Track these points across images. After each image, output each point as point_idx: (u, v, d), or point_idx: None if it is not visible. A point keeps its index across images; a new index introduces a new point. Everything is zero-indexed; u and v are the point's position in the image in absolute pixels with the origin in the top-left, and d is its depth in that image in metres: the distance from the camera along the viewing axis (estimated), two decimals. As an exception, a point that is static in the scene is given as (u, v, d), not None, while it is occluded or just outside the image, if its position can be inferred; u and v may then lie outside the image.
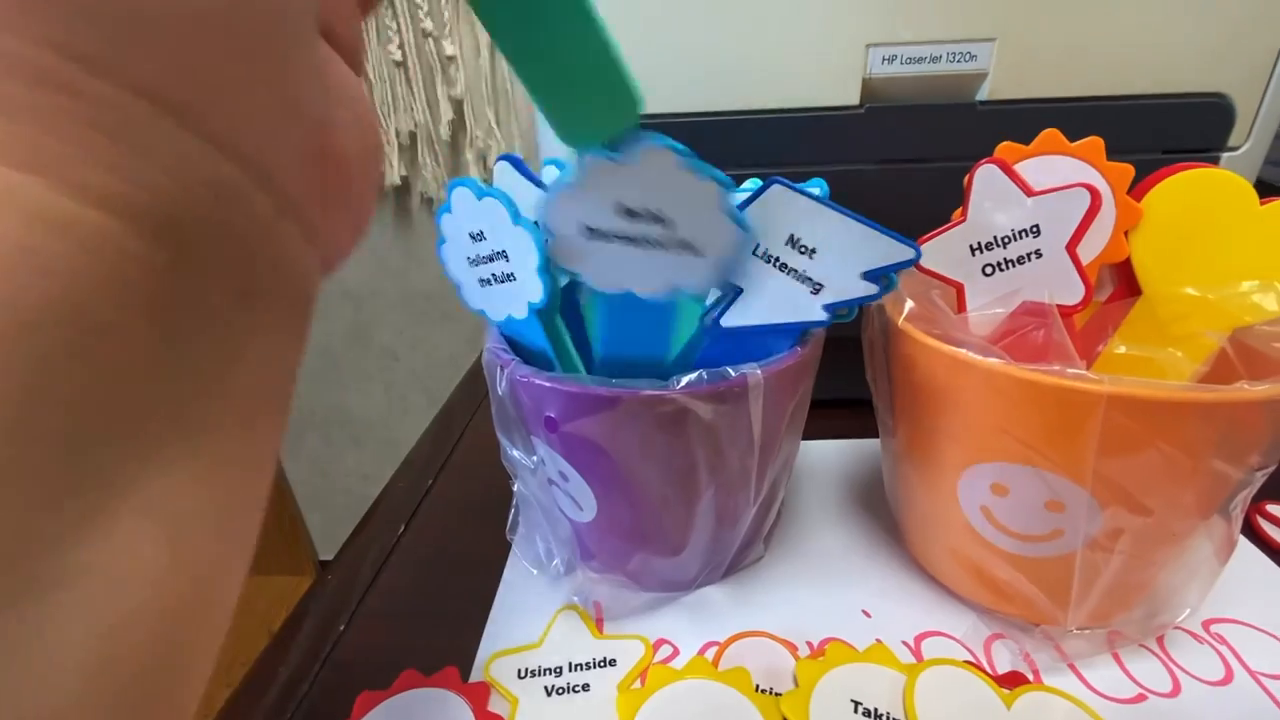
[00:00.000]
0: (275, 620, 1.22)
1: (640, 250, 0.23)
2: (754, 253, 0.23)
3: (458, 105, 0.94)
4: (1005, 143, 0.26)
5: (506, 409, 0.25)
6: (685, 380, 0.22)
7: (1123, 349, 0.25)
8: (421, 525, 0.34)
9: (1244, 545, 0.30)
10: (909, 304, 0.25)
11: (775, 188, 0.23)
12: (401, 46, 0.90)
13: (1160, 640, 0.26)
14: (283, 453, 1.24)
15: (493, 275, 0.26)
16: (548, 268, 0.24)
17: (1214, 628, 0.26)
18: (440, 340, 1.12)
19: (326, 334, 1.15)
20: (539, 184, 0.30)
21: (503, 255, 0.25)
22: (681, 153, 0.21)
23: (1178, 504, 0.22)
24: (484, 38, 0.88)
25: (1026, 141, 0.25)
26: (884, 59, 0.33)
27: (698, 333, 0.27)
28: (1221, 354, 0.23)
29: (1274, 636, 0.26)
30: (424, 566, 0.31)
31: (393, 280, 1.10)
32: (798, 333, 0.26)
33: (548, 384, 0.23)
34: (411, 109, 0.94)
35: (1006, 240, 0.24)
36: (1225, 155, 0.36)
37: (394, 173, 0.98)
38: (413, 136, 0.96)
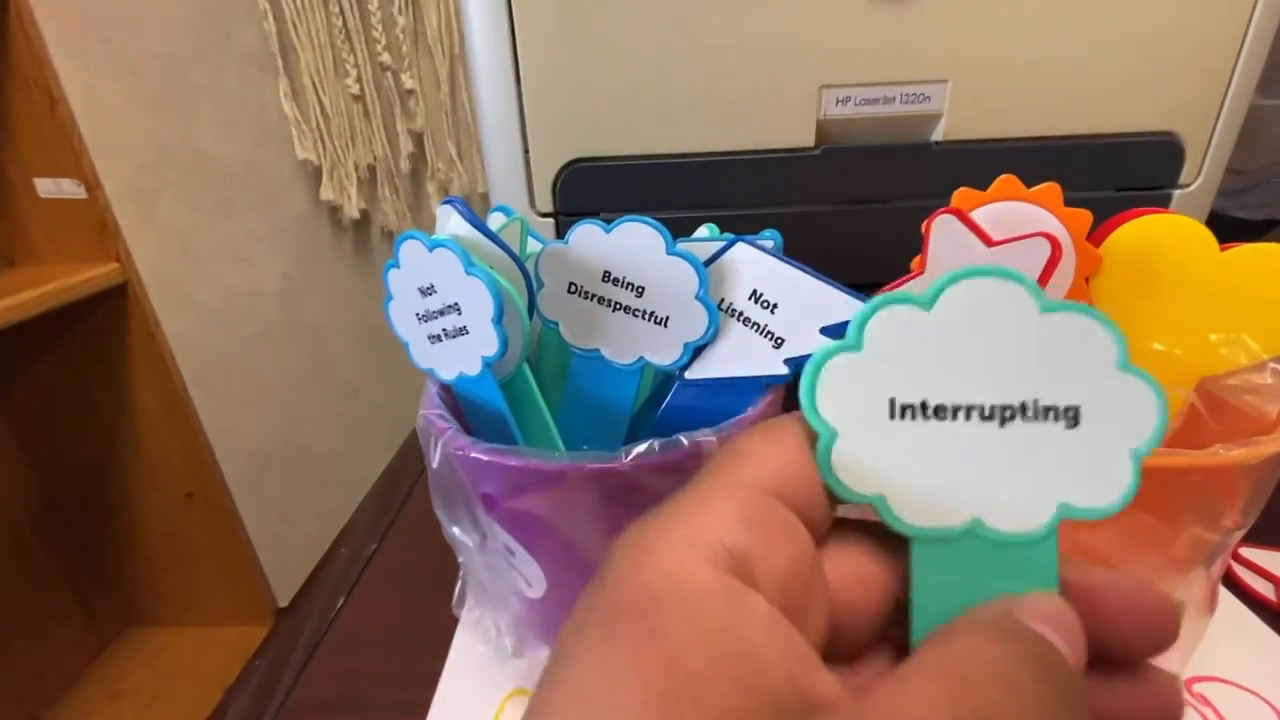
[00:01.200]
0: (230, 675, 1.16)
1: (614, 315, 0.24)
2: (719, 306, 0.23)
3: (418, 138, 0.92)
4: (962, 189, 0.25)
5: (443, 483, 0.23)
6: (635, 451, 0.21)
7: (1091, 405, 0.24)
8: (363, 597, 0.31)
9: (1222, 595, 0.29)
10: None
11: (739, 245, 0.23)
12: (359, 80, 0.89)
13: (1143, 707, 0.24)
14: (238, 495, 1.19)
15: (443, 330, 0.24)
16: (502, 319, 0.23)
17: (1197, 687, 0.25)
18: (402, 375, 1.09)
19: (284, 370, 1.11)
20: (484, 229, 0.28)
21: (454, 308, 0.24)
22: (665, 235, 0.22)
23: (1153, 570, 0.21)
24: (444, 70, 0.87)
25: (983, 180, 0.25)
26: (838, 100, 0.32)
27: (662, 384, 0.27)
28: (1191, 407, 0.22)
29: (1257, 695, 0.25)
30: (363, 645, 0.29)
31: (352, 314, 1.07)
32: (761, 386, 0.25)
33: (485, 457, 0.21)
34: (371, 142, 0.92)
35: (967, 292, 0.23)
36: (1177, 192, 0.36)
37: (353, 206, 0.95)
38: (372, 170, 0.94)
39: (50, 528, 1.11)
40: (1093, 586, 0.12)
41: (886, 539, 0.13)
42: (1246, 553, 0.31)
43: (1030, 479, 0.12)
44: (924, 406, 0.12)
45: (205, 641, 1.21)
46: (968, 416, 0.12)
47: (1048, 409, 0.12)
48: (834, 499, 0.12)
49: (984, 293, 0.12)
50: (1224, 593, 0.29)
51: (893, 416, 0.12)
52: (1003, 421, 0.12)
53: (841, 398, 0.12)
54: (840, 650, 0.12)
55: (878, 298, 0.12)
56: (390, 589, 0.32)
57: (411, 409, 0.25)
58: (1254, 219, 0.56)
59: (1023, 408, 0.12)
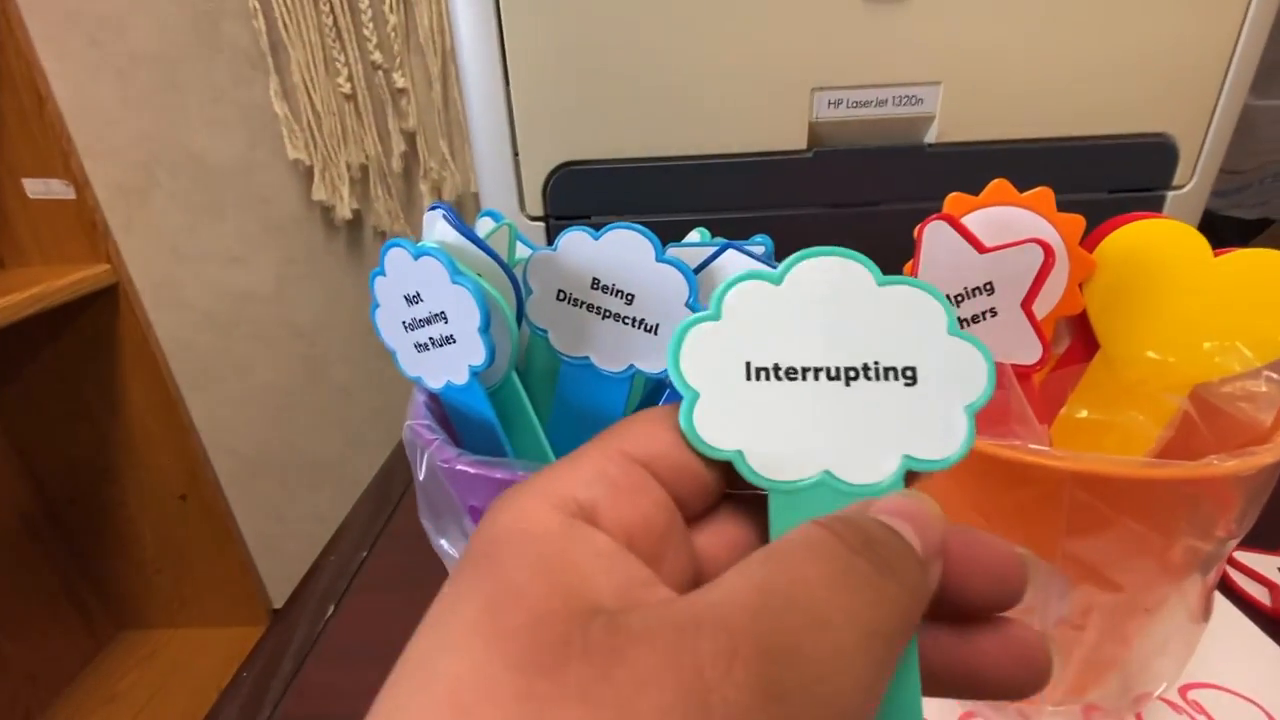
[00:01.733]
0: (225, 676, 1.15)
1: (604, 322, 0.24)
2: None
3: (410, 138, 0.91)
4: (954, 194, 0.25)
5: (430, 494, 0.23)
6: (623, 462, 0.20)
7: (1083, 413, 0.24)
8: (352, 606, 0.31)
9: (1217, 600, 0.29)
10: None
11: (729, 252, 0.23)
12: (351, 79, 0.88)
13: (1139, 716, 0.24)
14: (232, 497, 1.19)
15: (430, 339, 0.24)
16: (489, 328, 0.22)
17: (1192, 694, 0.25)
18: (396, 376, 1.08)
19: (277, 371, 1.11)
20: (471, 236, 0.28)
21: (441, 317, 0.23)
22: (654, 242, 0.22)
23: (1148, 579, 0.20)
24: (436, 69, 0.86)
25: (976, 183, 0.25)
26: (830, 103, 0.32)
27: (653, 392, 0.26)
28: (1185, 414, 0.22)
29: (1251, 701, 0.25)
30: (353, 656, 0.29)
31: (345, 315, 1.07)
32: None
33: (471, 469, 0.21)
34: (362, 141, 0.91)
35: (960, 298, 0.23)
36: (1171, 194, 0.36)
37: (345, 206, 0.95)
38: (364, 169, 0.93)
39: (44, 531, 1.10)
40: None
41: (756, 507, 0.13)
42: (1241, 556, 0.31)
43: (875, 434, 0.13)
44: (776, 369, 0.13)
45: (200, 643, 1.20)
46: (816, 377, 0.13)
47: (888, 369, 0.13)
48: (704, 460, 0.13)
49: (828, 269, 0.13)
50: (1219, 597, 0.29)
51: (749, 378, 0.13)
52: (847, 381, 0.13)
53: (703, 362, 0.13)
54: None
55: (735, 274, 0.13)
56: (381, 597, 0.32)
57: (405, 411, 0.25)
58: (1248, 218, 0.55)
59: (865, 369, 0.13)
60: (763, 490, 0.13)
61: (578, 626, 0.09)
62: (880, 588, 0.10)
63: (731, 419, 0.13)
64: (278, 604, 1.32)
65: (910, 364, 0.13)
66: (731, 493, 0.14)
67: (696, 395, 0.13)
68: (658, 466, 0.13)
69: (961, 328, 0.23)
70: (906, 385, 0.13)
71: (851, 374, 0.13)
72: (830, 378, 0.13)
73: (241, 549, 1.22)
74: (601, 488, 0.12)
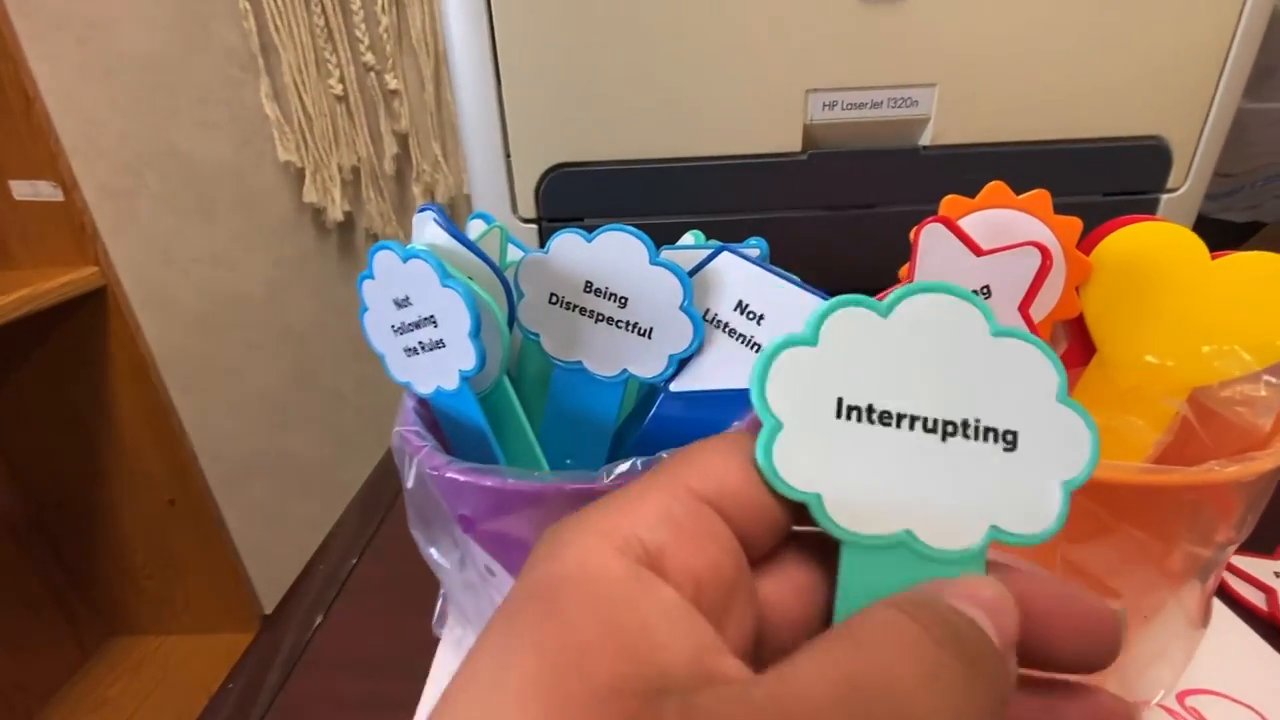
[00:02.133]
0: (215, 682, 1.14)
1: (597, 326, 0.24)
2: (705, 317, 0.23)
3: (402, 139, 0.91)
4: (950, 196, 0.24)
5: (420, 503, 0.22)
6: (618, 470, 0.20)
7: (1082, 418, 0.23)
8: (341, 616, 0.31)
9: (1215, 605, 0.29)
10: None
11: (724, 255, 0.22)
12: (342, 80, 0.87)
13: (1136, 722, 0.24)
14: (222, 502, 1.17)
15: (420, 343, 0.24)
16: (479, 332, 0.22)
17: (1190, 700, 0.25)
18: (387, 380, 1.07)
19: (267, 375, 1.10)
20: (461, 238, 0.27)
21: (431, 320, 0.23)
22: (648, 245, 0.22)
23: (1147, 585, 0.20)
24: (428, 70, 0.86)
25: (972, 185, 0.24)
26: (824, 105, 0.32)
27: (647, 396, 0.26)
28: (1183, 419, 0.22)
29: (1248, 706, 0.25)
30: (341, 666, 0.28)
31: (337, 318, 1.06)
32: (747, 398, 0.24)
33: (461, 477, 0.20)
34: (354, 143, 0.91)
35: (956, 302, 0.23)
36: (1165, 197, 0.36)
37: (337, 209, 0.94)
38: (356, 171, 0.93)
39: (31, 536, 1.09)
40: (1024, 592, 0.11)
41: (827, 553, 0.13)
42: (1238, 561, 0.31)
43: (964, 497, 0.12)
44: (870, 410, 0.12)
45: (190, 649, 1.19)
46: (911, 426, 0.12)
47: (988, 430, 0.12)
48: (777, 498, 0.12)
49: (941, 309, 0.12)
50: (1215, 602, 0.29)
51: (839, 416, 0.12)
52: (944, 436, 0.12)
53: (791, 391, 0.12)
54: (777, 659, 0.12)
55: (839, 298, 0.12)
56: (369, 607, 0.31)
57: (397, 414, 0.25)
58: (1239, 221, 0.56)
59: (964, 425, 0.12)
60: (836, 538, 0.12)
61: (650, 706, 0.09)
62: (969, 689, 0.10)
63: (814, 458, 0.12)
64: (268, 609, 1.31)
65: (1012, 428, 0.12)
66: (798, 530, 0.13)
67: (779, 426, 0.12)
68: (726, 504, 0.12)
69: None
70: (1006, 450, 0.12)
71: (950, 429, 0.12)
72: (927, 429, 0.12)
73: (231, 554, 1.21)
74: (667, 531, 0.11)
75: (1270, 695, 0.25)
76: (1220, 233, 0.61)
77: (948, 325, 0.12)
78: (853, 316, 0.12)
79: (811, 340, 0.12)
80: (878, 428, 0.12)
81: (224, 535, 1.20)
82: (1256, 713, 0.25)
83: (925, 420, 0.12)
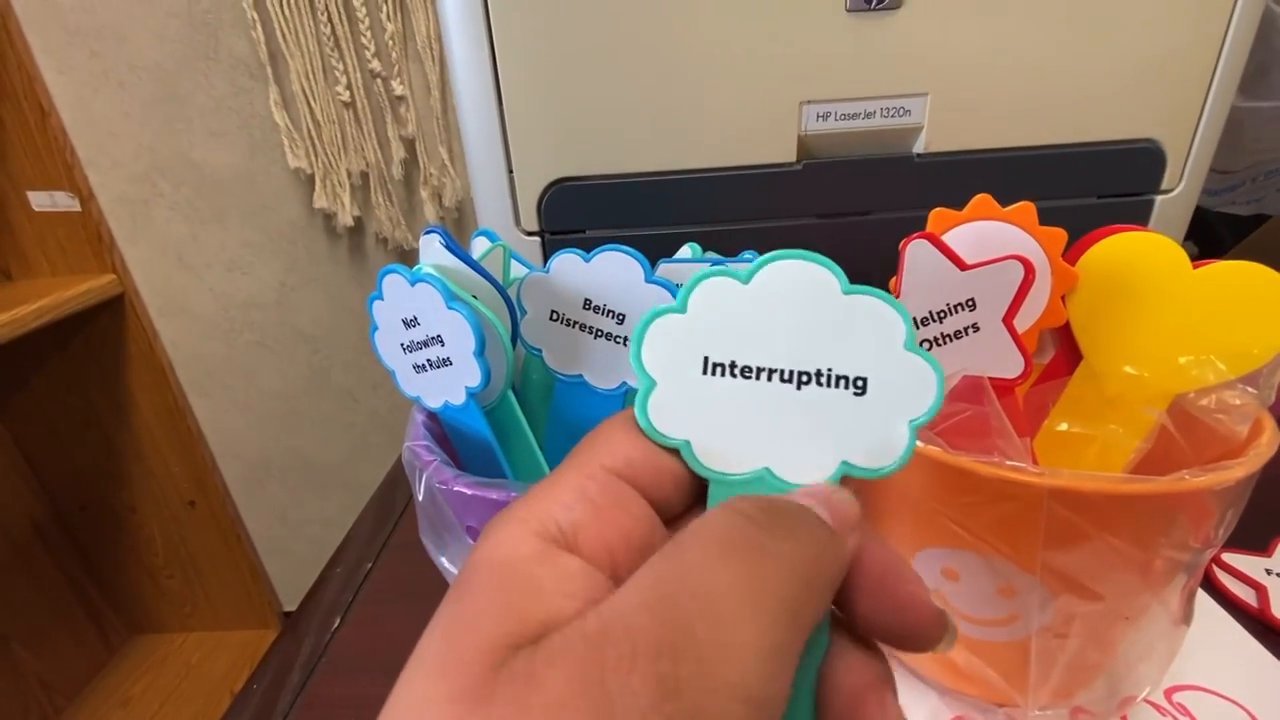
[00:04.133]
0: (237, 679, 1.16)
1: (596, 341, 0.25)
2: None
3: (409, 144, 0.92)
4: (937, 210, 0.25)
5: (430, 514, 0.23)
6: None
7: (1064, 426, 0.24)
8: (359, 617, 0.32)
9: (1204, 601, 0.29)
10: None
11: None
12: (350, 87, 0.88)
13: (1124, 718, 0.25)
14: (240, 502, 1.20)
15: (428, 361, 0.25)
16: (484, 351, 0.23)
17: (1177, 697, 0.26)
18: (401, 381, 1.09)
19: (282, 377, 1.12)
20: (466, 259, 0.28)
21: (438, 340, 0.24)
22: (644, 264, 0.23)
23: (1128, 588, 0.21)
24: (434, 76, 0.87)
25: (965, 191, 0.25)
26: (818, 116, 0.32)
27: None
28: (1162, 427, 0.23)
29: (1235, 703, 0.25)
30: (361, 667, 0.29)
31: (348, 320, 1.07)
32: None
33: (469, 491, 0.21)
34: (362, 149, 0.92)
35: (942, 315, 0.23)
36: (1160, 198, 0.36)
37: (347, 213, 0.96)
38: (364, 176, 0.94)
39: (55, 538, 1.11)
40: (873, 551, 0.12)
41: None
42: (1229, 559, 0.31)
43: (817, 437, 0.13)
44: (732, 365, 0.13)
45: (211, 646, 1.22)
46: (769, 377, 0.13)
47: (839, 377, 0.13)
48: (675, 458, 0.13)
49: (796, 272, 0.13)
50: (1205, 599, 0.30)
51: (705, 372, 0.14)
52: (799, 385, 0.13)
53: (663, 353, 0.14)
54: None
55: (704, 270, 0.14)
56: (387, 608, 0.33)
57: (409, 414, 0.26)
58: (1243, 214, 0.56)
59: (818, 374, 0.13)
60: (704, 478, 0.13)
61: (514, 653, 0.10)
62: (769, 548, 0.11)
63: (684, 410, 0.13)
64: (288, 607, 1.33)
65: (862, 374, 0.13)
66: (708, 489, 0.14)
67: (653, 384, 0.14)
68: (636, 471, 0.13)
69: (944, 343, 0.24)
70: (856, 395, 0.13)
71: (804, 378, 0.13)
72: (784, 379, 0.13)
73: (250, 553, 1.23)
74: (582, 509, 0.12)
75: (1257, 691, 0.26)
76: (1225, 225, 0.61)
77: (803, 287, 0.13)
78: (717, 286, 0.13)
79: (681, 309, 0.14)
80: (739, 380, 0.13)
81: (242, 534, 1.22)
82: (1243, 709, 0.25)
83: (782, 372, 0.13)
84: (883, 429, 0.13)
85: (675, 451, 0.13)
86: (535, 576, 0.11)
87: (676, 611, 0.10)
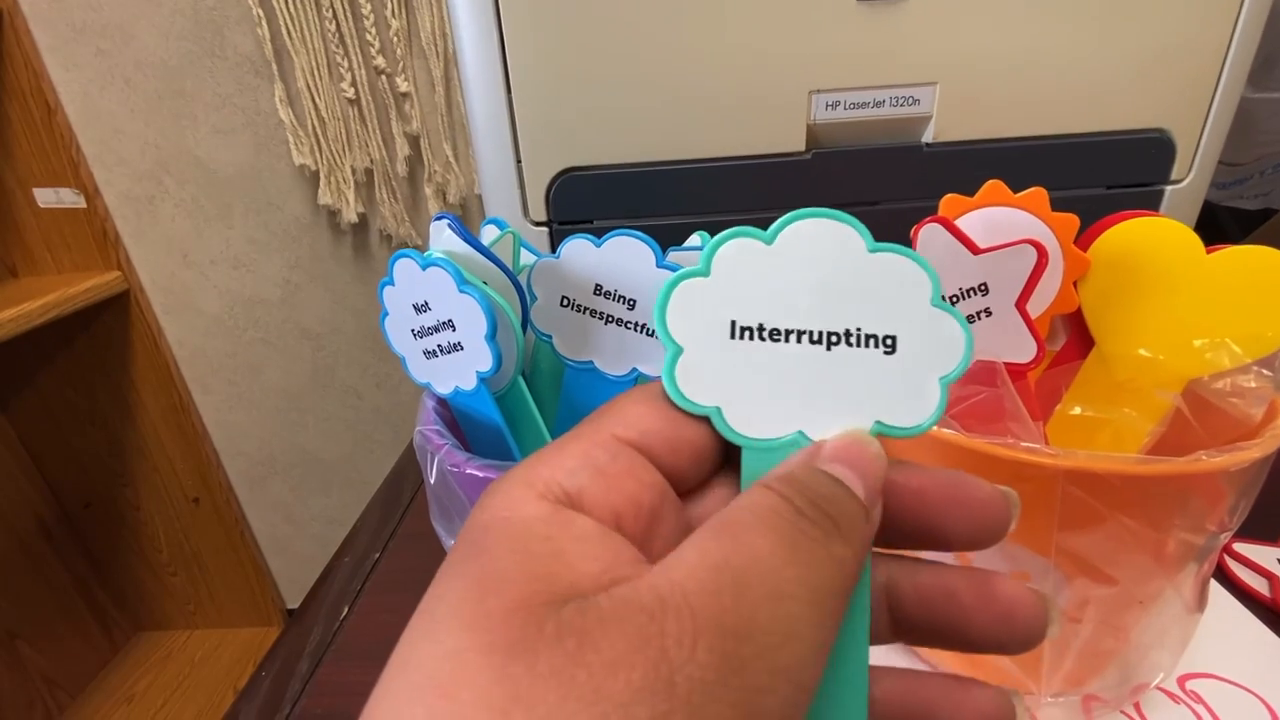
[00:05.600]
0: (241, 675, 1.16)
1: (607, 327, 0.25)
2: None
3: (414, 141, 0.92)
4: (949, 196, 0.25)
5: (441, 500, 0.23)
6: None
7: (1077, 410, 0.24)
8: (367, 606, 0.32)
9: (1216, 591, 0.29)
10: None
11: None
12: (354, 84, 0.89)
13: (1138, 705, 0.25)
14: (244, 499, 1.20)
15: (438, 346, 0.25)
16: (495, 335, 0.23)
17: (1190, 684, 0.26)
18: (403, 377, 1.09)
19: (286, 374, 1.12)
20: (476, 245, 0.28)
21: (449, 325, 0.24)
22: (654, 248, 0.22)
23: (1142, 572, 0.21)
24: (438, 72, 0.87)
25: (975, 181, 0.25)
26: (827, 105, 0.32)
27: None
28: (1177, 411, 0.23)
29: (1249, 691, 0.25)
30: (369, 655, 0.29)
31: (353, 317, 1.08)
32: None
33: (481, 473, 0.21)
34: (367, 146, 0.92)
35: (955, 299, 0.23)
36: (1169, 188, 0.36)
37: (351, 210, 0.96)
38: (369, 173, 0.94)
39: (59, 535, 1.12)
40: (917, 484, 0.13)
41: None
42: (1241, 548, 0.31)
43: (849, 398, 0.13)
44: (760, 329, 0.13)
45: (215, 643, 1.22)
46: (798, 339, 0.13)
47: (869, 337, 0.13)
48: (693, 428, 0.13)
49: (819, 231, 0.13)
50: (1218, 588, 0.30)
51: (733, 336, 0.13)
52: (828, 346, 0.13)
53: (689, 318, 0.13)
54: None
55: (727, 230, 0.13)
56: (394, 598, 0.33)
57: (414, 411, 0.26)
58: (1251, 209, 0.55)
59: (846, 334, 0.13)
60: (737, 445, 0.13)
61: (553, 610, 0.10)
62: (828, 552, 0.11)
63: (712, 375, 0.13)
64: (290, 604, 1.33)
65: (891, 333, 0.13)
66: (728, 462, 0.14)
67: (680, 351, 0.13)
68: (650, 442, 0.13)
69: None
70: (886, 354, 0.13)
71: (833, 339, 0.13)
72: (812, 341, 0.13)
73: (254, 550, 1.23)
74: (587, 474, 0.12)
75: (1271, 680, 0.26)
76: (1233, 220, 0.61)
77: (827, 246, 0.13)
78: (740, 247, 0.13)
79: (704, 271, 0.13)
80: (768, 344, 0.13)
81: (245, 532, 1.22)
82: (1257, 697, 0.25)
83: (811, 333, 0.13)
84: (914, 387, 0.13)
85: (703, 420, 0.13)
86: (552, 538, 0.11)
87: (740, 599, 0.10)
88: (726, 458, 0.14)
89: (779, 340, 0.13)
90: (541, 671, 0.09)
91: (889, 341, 0.13)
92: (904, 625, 0.13)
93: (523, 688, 0.09)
